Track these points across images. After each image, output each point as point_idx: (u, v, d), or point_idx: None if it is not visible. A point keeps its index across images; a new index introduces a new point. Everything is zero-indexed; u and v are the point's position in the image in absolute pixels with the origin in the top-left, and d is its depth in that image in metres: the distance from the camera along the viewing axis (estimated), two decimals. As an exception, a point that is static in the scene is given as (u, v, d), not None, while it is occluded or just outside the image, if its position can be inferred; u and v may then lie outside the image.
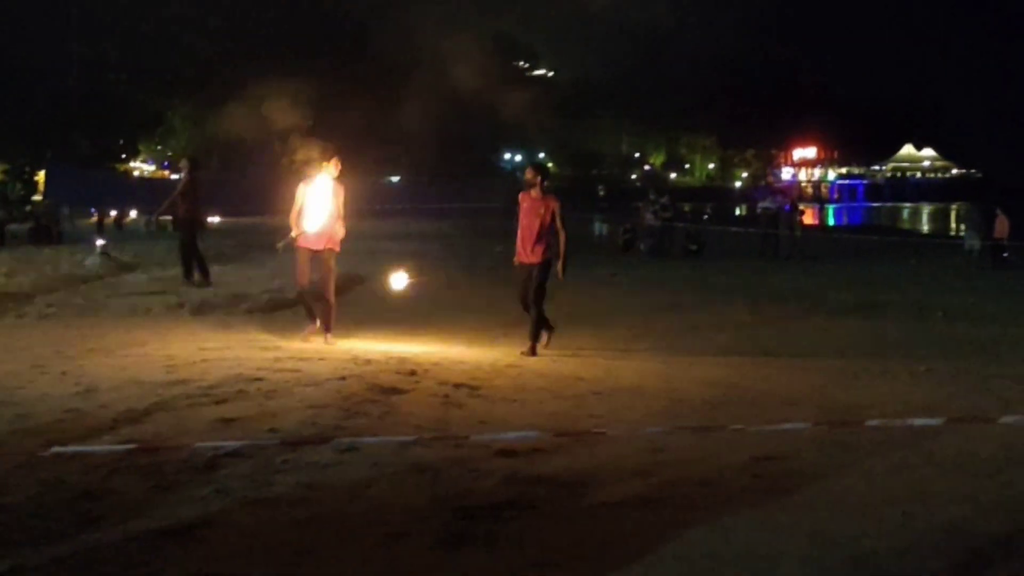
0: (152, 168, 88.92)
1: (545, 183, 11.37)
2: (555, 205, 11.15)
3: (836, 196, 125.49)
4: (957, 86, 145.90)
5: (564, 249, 11.10)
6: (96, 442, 6.53)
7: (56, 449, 6.23)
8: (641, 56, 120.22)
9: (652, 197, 31.26)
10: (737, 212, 71.04)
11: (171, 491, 5.57)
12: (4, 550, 4.65)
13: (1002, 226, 26.60)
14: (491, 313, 13.57)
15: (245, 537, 4.92)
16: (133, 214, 41.93)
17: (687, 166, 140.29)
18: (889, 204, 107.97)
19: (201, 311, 13.99)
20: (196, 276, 16.53)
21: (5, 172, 71.82)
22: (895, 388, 9.15)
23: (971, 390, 9.12)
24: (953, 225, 59.32)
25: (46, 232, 32.45)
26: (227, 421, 7.11)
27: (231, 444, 6.39)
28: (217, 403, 7.66)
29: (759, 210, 31.27)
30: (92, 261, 20.19)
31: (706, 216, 50.94)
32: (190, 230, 16.88)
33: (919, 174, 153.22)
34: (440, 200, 58.74)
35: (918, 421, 7.45)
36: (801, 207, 33.54)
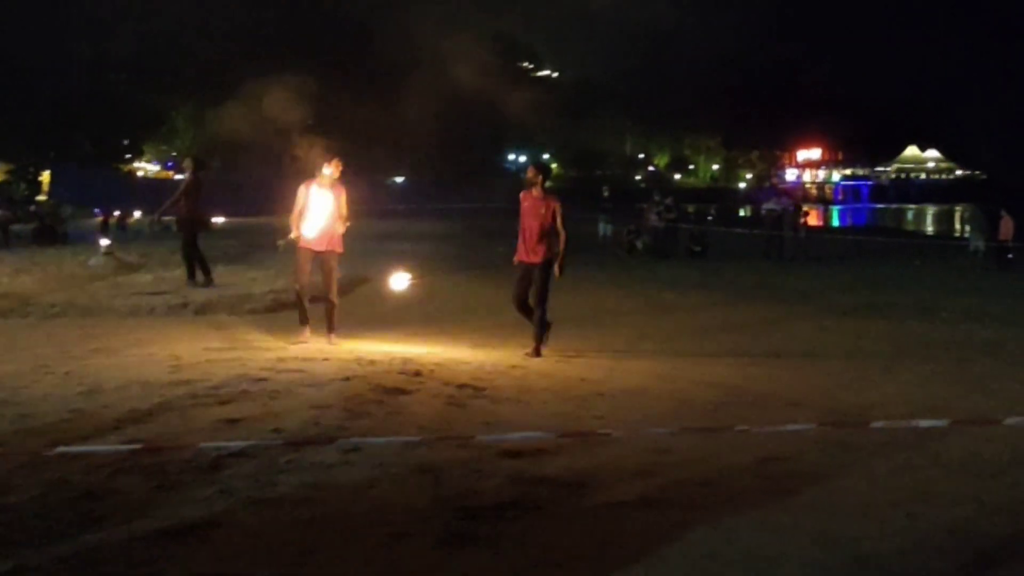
0: (156, 168, 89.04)
1: (546, 183, 11.35)
2: (556, 205, 11.13)
3: (840, 197, 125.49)
4: (962, 87, 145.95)
5: (563, 248, 11.09)
6: (100, 442, 6.53)
7: (60, 449, 6.23)
8: (645, 57, 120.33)
9: (656, 198, 31.27)
10: (741, 213, 70.97)
11: (175, 491, 5.57)
12: (7, 550, 4.66)
13: (1007, 227, 26.57)
14: (495, 314, 13.56)
15: (249, 537, 4.92)
16: (137, 214, 41.99)
17: (691, 167, 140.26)
18: (893, 205, 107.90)
19: (205, 311, 14.00)
20: (199, 276, 16.54)
21: (9, 172, 72.01)
22: (899, 389, 9.14)
23: (976, 391, 9.11)
24: (957, 226, 59.24)
25: (50, 232, 32.50)
26: (231, 421, 7.11)
27: (235, 444, 6.39)
28: (221, 403, 7.66)
29: (763, 211, 31.24)
30: (96, 261, 20.21)
31: (710, 217, 50.97)
32: (191, 230, 16.89)
33: (923, 175, 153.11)
34: (444, 200, 58.82)
35: (922, 422, 7.43)
36: (805, 208, 33.49)
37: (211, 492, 5.54)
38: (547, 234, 11.00)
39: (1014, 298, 17.85)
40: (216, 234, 28.67)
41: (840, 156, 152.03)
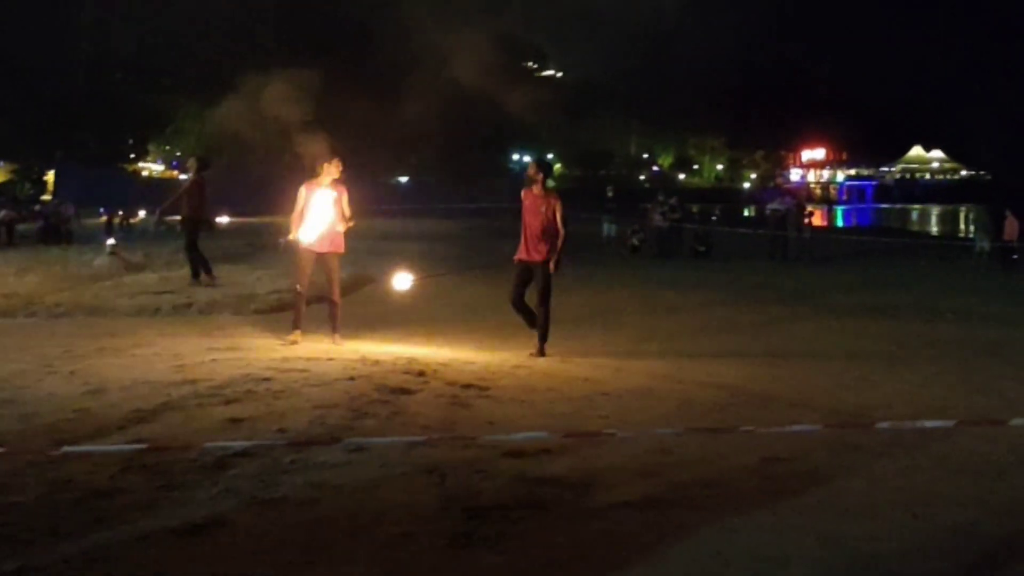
0: (161, 168, 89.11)
1: (547, 180, 11.34)
2: (556, 203, 11.11)
3: (845, 197, 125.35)
4: (967, 88, 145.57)
5: (561, 245, 11.09)
6: (105, 441, 6.55)
7: (65, 448, 6.24)
8: (648, 57, 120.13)
9: (661, 198, 31.24)
10: (745, 213, 70.92)
11: (179, 491, 5.58)
12: (13, 549, 4.67)
13: (1011, 228, 26.55)
14: (499, 314, 13.53)
15: (253, 537, 4.92)
16: (141, 214, 41.99)
17: (696, 167, 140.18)
18: (898, 206, 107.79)
19: (209, 311, 14.00)
20: (202, 276, 16.57)
21: (14, 172, 72.08)
22: (904, 390, 9.13)
23: (980, 392, 9.10)
24: (962, 227, 59.19)
25: (55, 232, 32.51)
26: (236, 421, 7.12)
27: (240, 444, 6.40)
28: (226, 403, 7.68)
29: (768, 211, 31.21)
30: (101, 261, 20.22)
31: (715, 217, 50.92)
32: (193, 230, 16.91)
33: (928, 176, 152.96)
34: (447, 200, 58.75)
35: (927, 423, 7.43)
36: (809, 208, 33.44)
37: (216, 492, 5.55)
38: (549, 232, 10.98)
39: (1019, 299, 17.85)
40: (220, 234, 28.69)
41: (845, 156, 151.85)
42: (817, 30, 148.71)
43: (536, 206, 11.02)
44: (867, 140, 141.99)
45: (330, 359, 9.82)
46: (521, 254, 11.09)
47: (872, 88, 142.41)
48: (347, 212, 11.34)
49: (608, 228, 34.60)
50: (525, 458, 6.33)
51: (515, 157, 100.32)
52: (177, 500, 5.43)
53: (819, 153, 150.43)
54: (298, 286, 11.43)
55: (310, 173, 11.49)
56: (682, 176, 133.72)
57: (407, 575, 4.58)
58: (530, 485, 5.78)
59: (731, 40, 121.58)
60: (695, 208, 55.32)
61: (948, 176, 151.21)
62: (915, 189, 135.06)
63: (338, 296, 11.51)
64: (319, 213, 11.22)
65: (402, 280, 13.20)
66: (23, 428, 6.87)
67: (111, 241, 22.60)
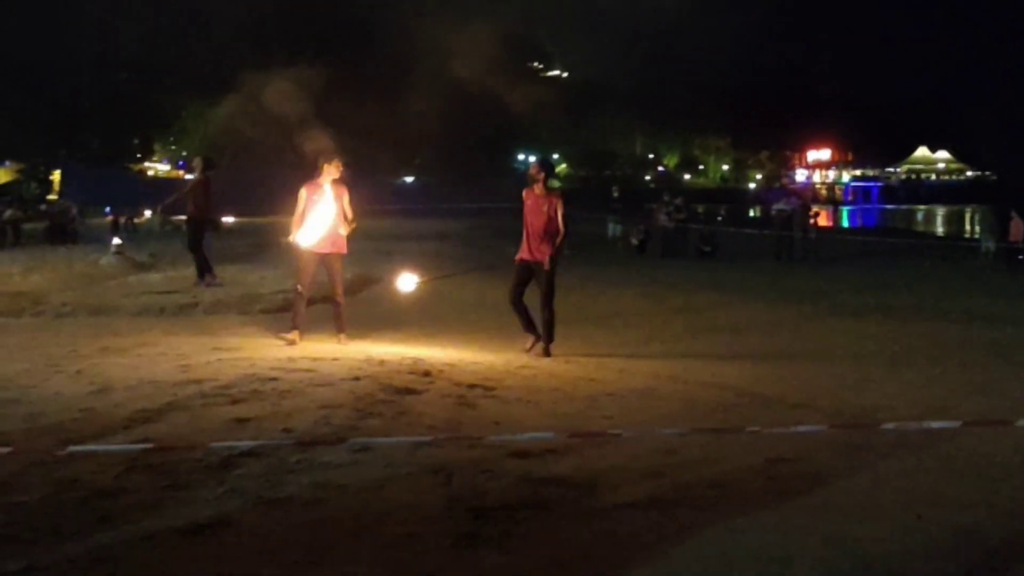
0: (167, 168, 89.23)
1: (548, 180, 11.34)
2: (558, 202, 11.12)
3: (850, 198, 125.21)
4: (972, 88, 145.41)
5: (560, 243, 11.10)
6: (110, 441, 6.55)
7: (71, 448, 6.25)
8: (653, 57, 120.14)
9: (666, 198, 31.23)
10: (751, 214, 70.87)
11: (185, 490, 5.59)
12: (18, 549, 4.67)
13: (1017, 229, 26.49)
14: (504, 313, 13.53)
15: (259, 537, 4.93)
16: (147, 214, 42.05)
17: (701, 167, 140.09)
18: (903, 206, 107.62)
19: (215, 311, 14.02)
20: (208, 275, 16.60)
21: (20, 172, 72.21)
22: (909, 390, 9.12)
23: (985, 393, 9.08)
24: (968, 227, 59.10)
25: (61, 231, 32.58)
26: (241, 421, 7.12)
27: (245, 444, 6.40)
28: (231, 403, 7.68)
29: (773, 212, 31.17)
30: (107, 260, 20.26)
31: (720, 218, 50.89)
32: (197, 229, 16.94)
33: (934, 176, 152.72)
34: (452, 200, 58.82)
35: (932, 424, 7.42)
36: (815, 209, 33.41)
37: (221, 492, 5.55)
38: (551, 232, 10.99)
39: (1024, 299, 17.80)
40: (226, 234, 28.72)
41: (850, 157, 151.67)
42: (823, 30, 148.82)
43: (538, 206, 11.02)
44: (873, 140, 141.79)
45: (335, 359, 9.82)
46: (523, 254, 11.09)
47: (878, 88, 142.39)
48: (348, 213, 11.33)
49: (613, 228, 34.61)
50: (530, 458, 6.33)
51: (520, 157, 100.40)
52: (182, 500, 5.43)
53: (824, 154, 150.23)
54: (299, 287, 11.40)
55: (314, 173, 11.47)
56: (687, 176, 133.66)
57: (412, 575, 4.58)
58: (535, 485, 5.78)
59: (736, 40, 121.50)
60: (700, 208, 55.27)
61: (954, 177, 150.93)
62: (920, 190, 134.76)
63: (342, 296, 11.50)
64: (320, 214, 11.21)
65: (407, 282, 13.15)
66: (29, 427, 6.88)
67: (116, 241, 22.64)
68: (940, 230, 62.55)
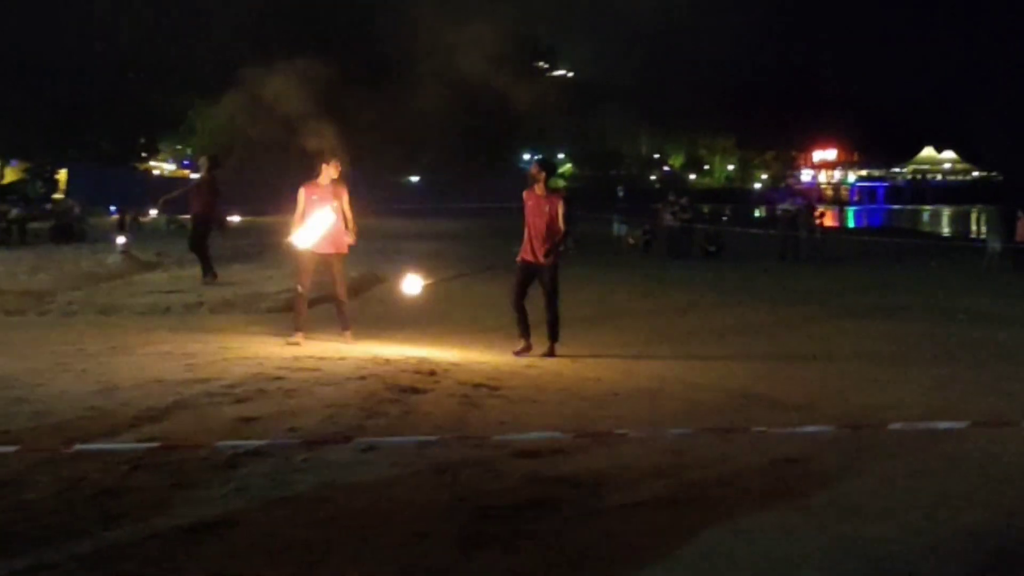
0: (173, 167, 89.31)
1: (550, 180, 11.34)
2: (559, 202, 11.14)
3: (856, 198, 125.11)
4: (978, 88, 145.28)
5: (560, 240, 11.10)
6: (117, 440, 6.56)
7: (78, 447, 6.25)
8: (660, 57, 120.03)
9: (671, 198, 31.22)
10: (756, 214, 70.81)
11: (191, 489, 5.59)
12: (25, 547, 4.68)
13: (1023, 229, 26.42)
14: (508, 313, 13.55)
15: (265, 536, 4.93)
16: (152, 213, 42.06)
17: (706, 167, 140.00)
18: (909, 206, 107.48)
19: (221, 310, 14.03)
20: (213, 273, 16.63)
21: (26, 171, 72.29)
22: (916, 391, 9.11)
23: (992, 393, 9.07)
24: (974, 228, 58.97)
25: (67, 230, 32.59)
26: (247, 420, 7.13)
27: (251, 443, 6.40)
28: (237, 402, 7.68)
29: (779, 212, 31.15)
30: (113, 259, 20.28)
31: (725, 217, 50.86)
32: (201, 228, 16.97)
33: (939, 176, 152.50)
34: (458, 200, 58.81)
35: (939, 424, 7.41)
36: (820, 209, 33.37)
37: (227, 490, 5.56)
38: (553, 232, 10.99)
39: (1031, 300, 17.76)
40: (232, 233, 28.71)
41: (856, 157, 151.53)
42: (830, 30, 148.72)
43: (539, 206, 11.03)
44: (878, 141, 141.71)
45: (341, 358, 9.83)
46: (525, 255, 11.09)
47: (884, 88, 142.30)
48: (348, 214, 11.31)
49: (619, 228, 34.60)
50: (536, 458, 6.32)
51: (525, 157, 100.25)
52: (188, 499, 5.44)
53: (830, 154, 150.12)
54: (299, 287, 11.37)
55: (314, 172, 11.43)
56: (693, 176, 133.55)
57: (418, 574, 4.58)
58: (541, 485, 5.78)
59: (742, 40, 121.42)
60: (706, 208, 55.28)
61: (960, 177, 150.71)
62: (926, 190, 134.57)
63: (344, 295, 11.49)
64: (319, 214, 11.20)
65: (412, 284, 13.00)
66: (36, 426, 6.89)
67: (122, 240, 22.65)
68: (946, 230, 62.46)
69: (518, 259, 11.20)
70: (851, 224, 67.54)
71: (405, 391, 8.23)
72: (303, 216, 11.22)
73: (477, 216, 46.82)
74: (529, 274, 11.08)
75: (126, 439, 6.58)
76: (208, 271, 16.78)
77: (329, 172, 11.33)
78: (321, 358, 9.78)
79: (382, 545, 4.86)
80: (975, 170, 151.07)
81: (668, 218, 29.88)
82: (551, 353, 10.79)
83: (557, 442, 6.68)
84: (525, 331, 10.97)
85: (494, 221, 38.72)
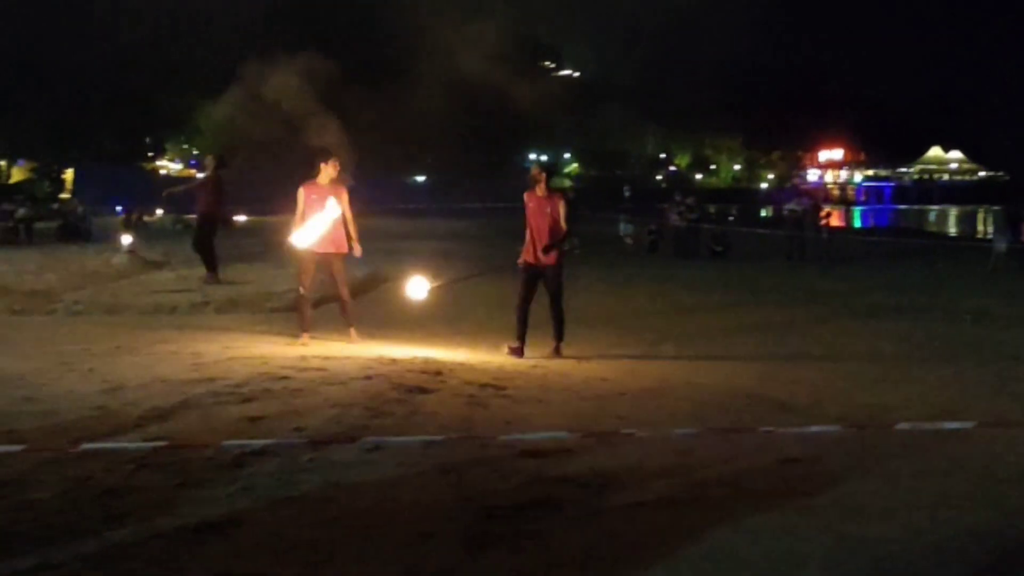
0: (179, 167, 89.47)
1: (550, 181, 11.34)
2: (560, 202, 11.15)
3: (863, 198, 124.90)
4: (985, 88, 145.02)
5: (561, 239, 11.10)
6: (123, 439, 6.56)
7: (84, 446, 6.26)
8: (665, 57, 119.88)
9: (678, 198, 31.21)
10: (763, 214, 70.74)
11: (197, 489, 5.59)
12: (31, 546, 4.68)
13: (1030, 229, 26.39)
14: (513, 314, 13.54)
15: (270, 536, 4.93)
16: (159, 212, 42.13)
17: (713, 167, 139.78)
18: (916, 207, 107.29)
19: (227, 309, 14.05)
20: (209, 274, 16.66)
21: (33, 171, 72.47)
22: (922, 391, 9.10)
23: (998, 394, 9.06)
24: (980, 228, 58.86)
25: (73, 230, 32.66)
26: (253, 419, 7.13)
27: (257, 443, 6.41)
28: (243, 401, 7.69)
29: (785, 212, 31.13)
30: (119, 259, 20.31)
31: (732, 217, 50.79)
32: (207, 226, 16.99)
33: (946, 176, 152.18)
34: (465, 200, 58.90)
35: (945, 425, 7.41)
36: (827, 209, 33.33)
37: (233, 490, 5.56)
38: (555, 233, 10.99)
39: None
40: (237, 232, 28.76)
41: (862, 157, 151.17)
42: (835, 29, 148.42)
43: (541, 207, 11.04)
44: (885, 141, 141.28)
45: (347, 358, 9.84)
46: (527, 256, 11.08)
47: (890, 88, 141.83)
48: (348, 213, 11.31)
49: (624, 228, 34.59)
50: (542, 458, 6.32)
51: (531, 156, 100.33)
52: (194, 498, 5.44)
53: (837, 154, 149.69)
54: (301, 289, 11.37)
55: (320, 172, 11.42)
56: (699, 176, 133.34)
57: (423, 574, 4.58)
58: (546, 485, 5.78)
59: (748, 39, 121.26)
60: (712, 208, 55.22)
61: (966, 177, 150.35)
62: (933, 190, 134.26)
63: (347, 295, 11.48)
64: (319, 214, 11.20)
65: (418, 288, 12.68)
66: (42, 425, 6.90)
67: (128, 239, 22.69)
68: (952, 230, 62.34)
69: (520, 261, 11.20)
70: (857, 224, 67.44)
71: (411, 391, 8.23)
72: (303, 216, 11.22)
73: (483, 216, 46.86)
74: (533, 277, 11.08)
75: (132, 438, 6.58)
76: (212, 271, 16.80)
77: (328, 171, 11.33)
78: (327, 358, 9.79)
79: (387, 545, 4.86)
80: (982, 170, 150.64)
81: (674, 218, 29.88)
82: (557, 353, 10.79)
83: (563, 442, 6.68)
84: (521, 334, 10.93)
85: (500, 221, 38.74)
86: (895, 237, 38.39)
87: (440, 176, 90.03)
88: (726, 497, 5.66)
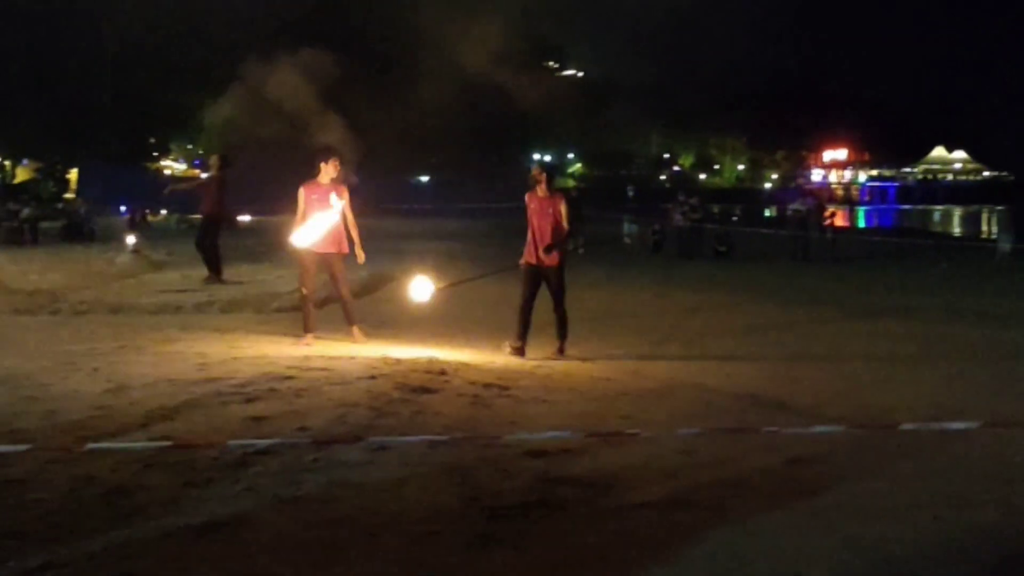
0: (184, 167, 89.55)
1: (551, 181, 11.32)
2: (561, 202, 11.14)
3: (867, 198, 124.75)
4: (989, 87, 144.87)
5: (563, 239, 11.09)
6: (128, 439, 6.57)
7: (89, 445, 6.27)
8: (669, 57, 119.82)
9: (681, 198, 31.19)
10: (767, 214, 70.68)
11: (202, 488, 5.60)
12: (37, 546, 4.69)
13: (1034, 229, 26.37)
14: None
15: (275, 535, 4.94)
16: (163, 212, 42.24)
17: (716, 167, 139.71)
18: (920, 206, 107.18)
19: (231, 309, 14.05)
20: (210, 274, 16.67)
21: (38, 171, 72.57)
22: (926, 391, 9.10)
23: (1003, 394, 9.06)
24: (984, 228, 58.80)
25: (78, 230, 32.72)
26: (258, 419, 7.14)
27: (262, 442, 6.42)
28: (248, 401, 7.69)
29: (789, 212, 31.12)
30: (124, 259, 20.33)
31: (735, 217, 50.80)
32: (211, 226, 17.00)
33: (950, 176, 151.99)
34: (468, 199, 58.93)
35: (950, 425, 7.40)
36: (831, 209, 33.28)
37: (238, 490, 5.57)
38: (558, 233, 10.99)
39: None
40: (242, 232, 28.77)
41: (867, 157, 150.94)
42: (839, 29, 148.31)
43: (543, 208, 11.02)
44: (889, 140, 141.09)
45: (351, 358, 9.84)
46: (529, 257, 11.06)
47: (895, 88, 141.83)
48: (349, 215, 11.31)
49: (629, 228, 34.59)
50: (546, 458, 6.33)
51: (535, 156, 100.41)
52: (199, 498, 5.45)
53: (841, 153, 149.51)
54: (304, 289, 11.37)
55: (320, 172, 11.41)
56: (703, 176, 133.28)
57: (428, 574, 4.59)
58: (551, 485, 5.78)
59: (752, 39, 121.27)
60: (716, 208, 55.21)
61: (971, 177, 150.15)
62: (937, 190, 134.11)
63: (347, 294, 11.48)
64: (320, 214, 11.20)
65: (423, 290, 12.48)
66: (47, 425, 6.91)
67: (133, 240, 22.72)
68: (956, 230, 62.27)
69: (522, 263, 11.18)
70: (862, 224, 67.34)
71: (415, 391, 8.23)
72: (304, 216, 11.22)
73: (487, 216, 46.86)
74: (535, 278, 11.06)
75: (137, 438, 6.59)
76: (213, 271, 16.80)
77: (328, 171, 11.33)
78: (331, 358, 9.80)
79: (392, 545, 4.86)
80: (986, 170, 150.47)
81: (678, 218, 29.87)
82: (561, 353, 10.79)
83: (567, 442, 6.68)
84: (523, 334, 10.89)
85: (504, 221, 38.78)
86: (899, 237, 38.33)
87: (444, 176, 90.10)
88: (731, 498, 5.66)
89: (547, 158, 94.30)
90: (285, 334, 11.57)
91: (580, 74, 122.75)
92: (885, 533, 5.10)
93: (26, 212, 32.85)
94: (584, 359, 10.60)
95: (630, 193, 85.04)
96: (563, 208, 11.06)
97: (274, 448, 6.32)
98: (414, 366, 9.39)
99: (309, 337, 11.06)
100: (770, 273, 22.68)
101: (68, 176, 71.90)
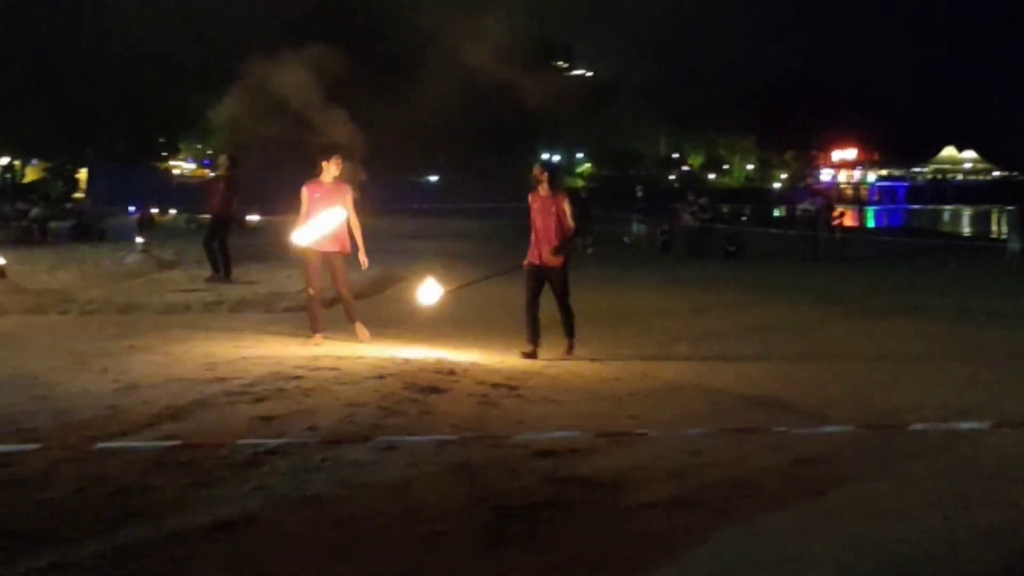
0: (192, 166, 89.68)
1: (553, 181, 11.30)
2: (563, 201, 11.11)
3: (876, 198, 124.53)
4: (999, 87, 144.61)
5: (568, 238, 11.08)
6: (137, 438, 6.59)
7: (99, 445, 6.29)
8: (678, 56, 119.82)
9: (691, 198, 31.16)
10: (776, 214, 70.56)
11: (211, 488, 5.61)
12: (46, 545, 4.71)
13: (1043, 229, 26.28)
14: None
15: (284, 535, 4.95)
16: (172, 212, 42.30)
17: (726, 167, 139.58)
18: (930, 206, 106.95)
19: (240, 309, 14.06)
20: (218, 272, 16.69)
21: (47, 171, 72.70)
22: (936, 391, 9.07)
23: (1013, 395, 9.02)
24: (994, 228, 58.64)
25: (87, 229, 32.77)
26: (266, 419, 7.15)
27: (270, 442, 6.43)
28: (256, 401, 7.71)
29: (799, 211, 31.08)
30: (132, 258, 20.35)
31: (744, 217, 50.70)
32: (220, 226, 17.02)
33: (960, 176, 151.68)
34: (476, 199, 58.96)
35: (959, 425, 7.39)
36: (840, 208, 33.24)
37: (247, 489, 5.58)
38: (564, 232, 10.96)
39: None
40: (250, 232, 28.80)
41: (876, 157, 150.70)
42: (849, 28, 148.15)
43: (546, 207, 11.00)
44: (899, 140, 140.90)
45: (360, 357, 9.85)
46: (532, 258, 11.04)
47: (904, 88, 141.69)
48: (353, 217, 11.30)
49: (637, 228, 34.57)
50: (554, 457, 6.33)
51: (544, 156, 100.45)
52: (208, 497, 5.46)
53: (850, 153, 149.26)
54: (310, 289, 11.38)
55: (322, 171, 11.41)
56: (712, 176, 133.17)
57: (436, 574, 4.59)
58: (559, 485, 5.79)
59: (761, 39, 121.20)
60: (725, 208, 55.12)
61: (980, 177, 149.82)
62: (947, 190, 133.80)
63: (347, 293, 11.48)
64: (323, 213, 11.20)
65: (430, 292, 12.39)
66: (56, 424, 6.93)
67: (141, 239, 22.74)
68: (966, 230, 62.10)
69: (525, 263, 11.16)
70: (871, 224, 67.22)
71: (424, 391, 8.24)
72: (307, 215, 11.23)
73: (495, 216, 46.82)
74: (539, 278, 11.04)
75: (146, 437, 6.61)
76: (218, 270, 16.81)
77: (331, 170, 11.33)
78: (340, 357, 9.80)
79: (400, 544, 4.87)
80: (996, 170, 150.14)
81: (687, 218, 29.84)
82: (569, 352, 10.78)
83: (575, 442, 6.68)
84: (533, 337, 10.85)
85: (512, 220, 38.78)
86: (908, 237, 38.25)
87: (452, 175, 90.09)
88: (739, 498, 5.66)
89: (555, 158, 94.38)
90: (294, 334, 11.58)
91: (590, 74, 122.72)
92: (894, 534, 5.10)
93: (35, 212, 32.91)
94: (593, 359, 10.60)
95: (639, 193, 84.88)
96: (566, 207, 11.03)
97: (283, 448, 6.33)
98: (422, 366, 9.40)
99: (318, 337, 11.07)
100: (779, 273, 22.65)
101: (77, 176, 72.00)
